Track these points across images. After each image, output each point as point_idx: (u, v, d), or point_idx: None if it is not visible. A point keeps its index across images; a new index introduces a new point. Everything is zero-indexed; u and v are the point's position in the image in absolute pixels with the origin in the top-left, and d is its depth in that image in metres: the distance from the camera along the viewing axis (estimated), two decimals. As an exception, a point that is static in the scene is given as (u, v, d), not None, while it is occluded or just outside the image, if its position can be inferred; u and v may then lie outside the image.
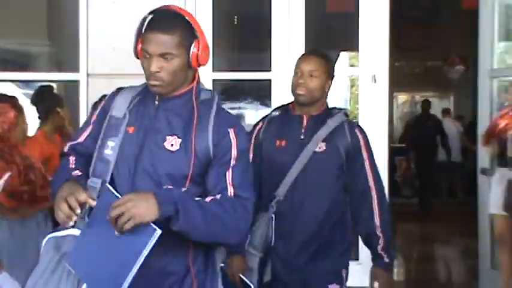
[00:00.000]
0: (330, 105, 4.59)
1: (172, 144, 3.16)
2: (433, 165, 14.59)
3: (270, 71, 8.48)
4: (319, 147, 4.10)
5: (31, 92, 7.88)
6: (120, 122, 3.27)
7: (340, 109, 4.39)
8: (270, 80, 8.51)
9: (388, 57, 8.36)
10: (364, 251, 8.44)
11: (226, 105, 9.36)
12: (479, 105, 8.11)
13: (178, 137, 3.16)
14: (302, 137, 4.16)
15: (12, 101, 5.85)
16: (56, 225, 3.43)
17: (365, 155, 4.19)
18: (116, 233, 2.89)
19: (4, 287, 3.07)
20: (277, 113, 4.27)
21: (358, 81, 8.96)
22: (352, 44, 8.68)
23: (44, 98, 7.03)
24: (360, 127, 4.35)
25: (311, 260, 4.13)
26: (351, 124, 4.27)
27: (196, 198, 3.10)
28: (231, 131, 3.18)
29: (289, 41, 8.39)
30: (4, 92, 6.04)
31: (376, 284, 4.18)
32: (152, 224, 2.87)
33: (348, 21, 8.65)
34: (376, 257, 4.20)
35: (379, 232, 4.13)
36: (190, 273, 3.22)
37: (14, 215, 5.58)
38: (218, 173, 3.15)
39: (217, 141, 3.15)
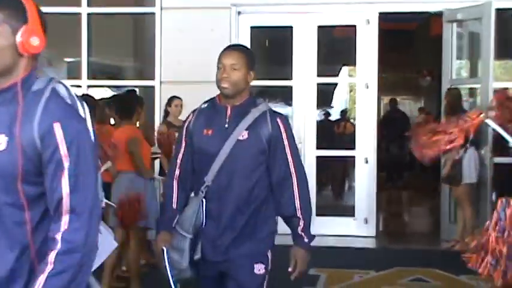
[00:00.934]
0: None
1: None
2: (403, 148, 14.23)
3: (291, 79, 8.53)
4: (242, 136, 3.32)
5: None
6: None
7: (264, 99, 3.60)
8: (291, 87, 8.56)
9: (376, 71, 8.40)
10: (358, 210, 8.53)
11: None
12: (442, 105, 8.15)
13: (5, 135, 1.97)
14: (226, 126, 3.35)
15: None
16: None
17: (286, 142, 3.38)
18: None
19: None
20: (205, 105, 3.47)
21: (355, 87, 8.98)
22: (351, 61, 8.71)
23: (130, 98, 6.85)
24: (282, 116, 3.48)
25: (236, 240, 3.35)
26: (273, 114, 3.43)
27: None
28: (56, 125, 1.95)
29: (305, 57, 8.43)
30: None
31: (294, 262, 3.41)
32: None
33: (349, 44, 8.65)
34: (296, 237, 3.41)
35: (299, 214, 3.37)
36: None
37: None
38: (52, 177, 1.97)
39: (42, 135, 1.96)
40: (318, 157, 8.59)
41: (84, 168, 2.00)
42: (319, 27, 8.47)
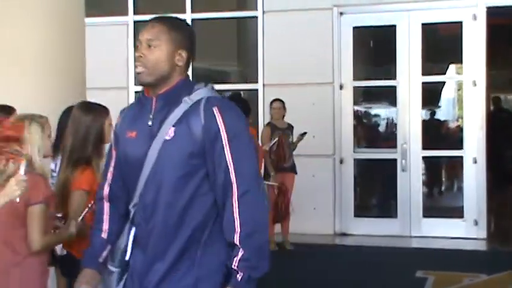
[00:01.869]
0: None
1: None
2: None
3: (396, 79, 8.42)
4: (169, 135, 2.37)
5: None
6: None
7: (206, 84, 2.49)
8: (395, 86, 8.45)
9: (484, 68, 8.19)
10: (467, 211, 8.31)
11: (363, 106, 9.36)
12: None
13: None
14: (150, 123, 2.42)
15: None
16: None
17: (224, 139, 2.34)
18: None
19: None
20: (134, 99, 2.50)
21: (463, 86, 8.80)
22: (458, 58, 8.52)
23: (237, 101, 7.00)
24: (223, 103, 2.43)
25: (169, 276, 2.39)
26: (209, 100, 2.39)
27: None
28: None
29: (410, 56, 8.31)
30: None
31: None
32: None
33: (455, 41, 8.47)
34: (228, 273, 2.35)
35: (236, 240, 2.33)
36: None
37: None
38: None
39: None
40: (424, 157, 8.46)
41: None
42: (423, 24, 8.34)
